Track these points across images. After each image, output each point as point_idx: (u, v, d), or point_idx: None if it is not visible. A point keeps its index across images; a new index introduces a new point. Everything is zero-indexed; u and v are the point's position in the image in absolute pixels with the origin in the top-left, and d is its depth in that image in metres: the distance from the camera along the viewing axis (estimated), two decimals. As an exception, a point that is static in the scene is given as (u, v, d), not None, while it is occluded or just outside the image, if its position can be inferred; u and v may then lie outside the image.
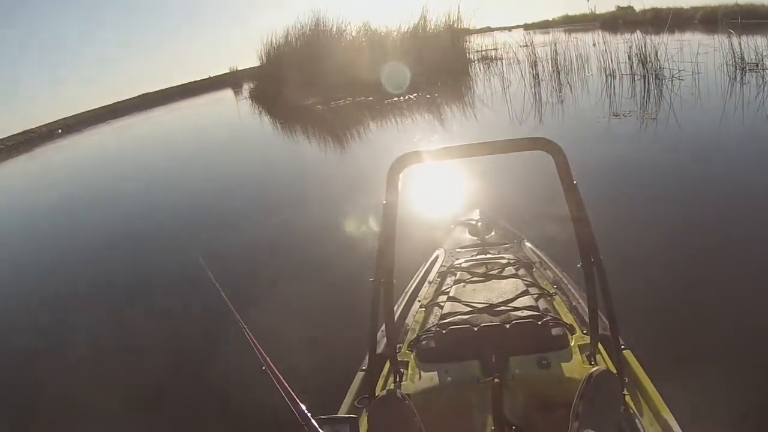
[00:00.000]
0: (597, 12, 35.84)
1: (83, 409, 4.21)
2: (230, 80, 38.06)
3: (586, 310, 2.53)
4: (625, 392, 2.12)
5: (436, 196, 7.07)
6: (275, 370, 1.75)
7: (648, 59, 13.48)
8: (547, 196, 4.64)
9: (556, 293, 3.01)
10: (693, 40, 18.06)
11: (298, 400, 1.62)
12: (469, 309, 2.71)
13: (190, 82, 60.01)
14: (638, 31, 15.73)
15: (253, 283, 5.56)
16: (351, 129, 14.75)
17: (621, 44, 14.65)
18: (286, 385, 1.68)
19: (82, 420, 4.12)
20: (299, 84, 20.02)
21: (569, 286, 3.15)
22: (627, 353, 2.38)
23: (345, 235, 6.51)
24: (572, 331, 2.54)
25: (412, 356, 2.56)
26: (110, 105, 57.15)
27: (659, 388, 2.22)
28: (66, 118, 52.40)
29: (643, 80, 13.31)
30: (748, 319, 3.71)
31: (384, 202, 2.01)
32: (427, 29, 21.04)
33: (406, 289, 3.38)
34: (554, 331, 2.45)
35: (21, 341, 5.86)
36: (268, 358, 1.81)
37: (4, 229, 13.08)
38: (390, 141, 12.05)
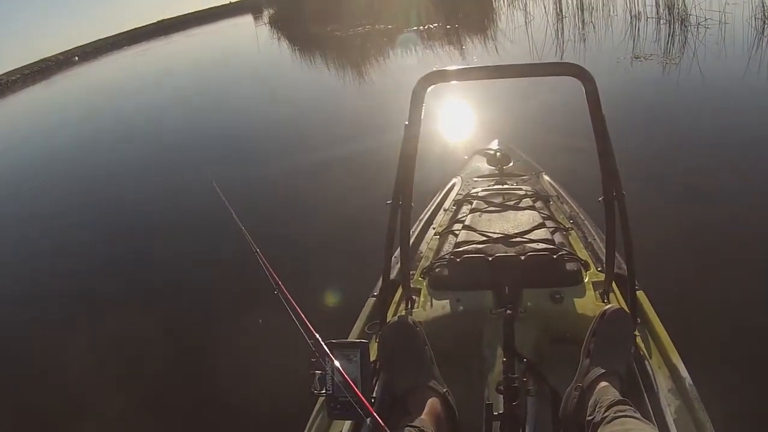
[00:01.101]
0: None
1: (106, 318, 4.52)
2: (251, 5, 37.33)
3: (602, 247, 2.58)
4: (636, 333, 2.12)
5: (457, 122, 7.08)
6: (287, 293, 1.77)
7: (675, 4, 13.23)
8: (569, 128, 4.71)
9: (572, 228, 2.99)
10: None
11: (309, 324, 1.63)
12: (484, 239, 2.68)
13: (210, 8, 59.19)
14: None
15: (268, 207, 5.74)
16: (369, 56, 14.67)
17: None
18: (298, 309, 1.70)
19: (106, 323, 4.41)
20: (318, 10, 19.70)
21: (586, 222, 3.14)
22: (640, 294, 2.36)
23: (363, 158, 6.58)
24: (587, 267, 2.51)
25: (424, 283, 2.56)
26: (128, 31, 56.52)
27: (670, 332, 2.21)
28: (84, 45, 52.05)
29: (668, 25, 13.04)
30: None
31: (406, 122, 1.95)
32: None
33: (421, 217, 3.37)
34: (569, 266, 2.44)
35: (54, 252, 6.34)
36: (280, 282, 1.83)
37: (25, 155, 13.37)
38: (406, 69, 12.00)
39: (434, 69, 1.87)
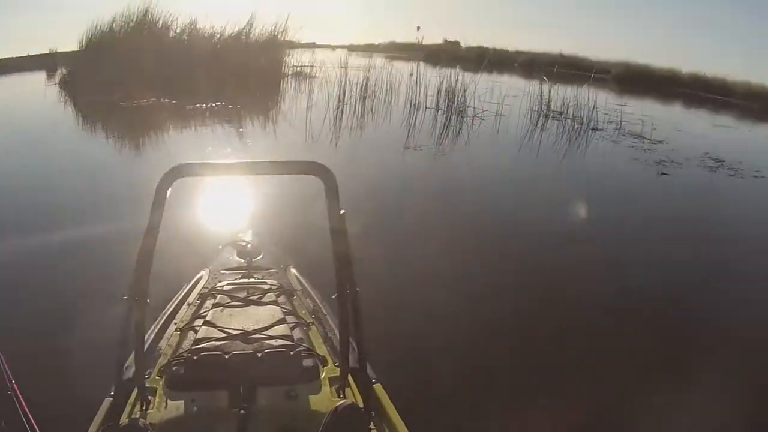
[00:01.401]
0: (424, 43, 36.97)
1: None
2: (48, 62, 35.33)
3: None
4: (372, 426, 2.14)
5: (209, 213, 6.70)
6: (18, 393, 1.74)
7: (455, 96, 13.71)
8: (319, 222, 4.37)
9: (312, 323, 3.00)
10: (508, 82, 18.94)
11: (36, 428, 1.58)
12: (224, 335, 2.60)
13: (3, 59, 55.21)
14: (458, 67, 16.16)
15: (5, 299, 4.95)
16: (146, 132, 13.76)
17: (436, 78, 14.97)
18: (27, 411, 1.67)
19: None
20: (110, 77, 18.50)
21: (327, 316, 3.12)
22: (377, 387, 2.38)
23: (114, 246, 5.73)
24: (324, 362, 2.52)
25: (160, 383, 2.43)
26: None
27: (407, 422, 2.22)
28: None
29: (445, 116, 13.59)
30: (500, 357, 3.91)
31: (149, 214, 1.90)
32: (250, 37, 20.26)
33: (164, 311, 3.20)
34: (305, 363, 2.44)
35: None
36: (13, 381, 1.78)
37: None
38: (179, 149, 11.25)
39: (180, 164, 1.86)
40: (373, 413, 2.23)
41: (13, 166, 10.77)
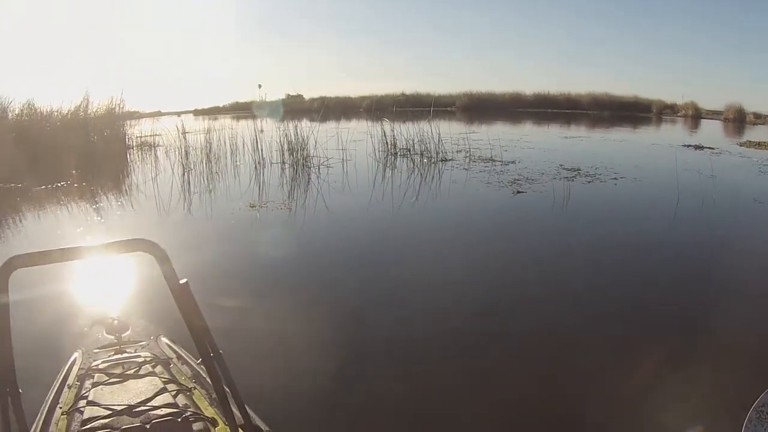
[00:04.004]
0: (267, 99, 37.15)
1: None
2: None
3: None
4: None
5: (72, 293, 6.49)
6: None
7: (298, 148, 13.87)
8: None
9: (195, 387, 2.97)
10: (353, 127, 19.32)
11: None
12: (109, 412, 2.58)
13: None
14: (303, 119, 16.36)
15: None
16: None
17: (280, 132, 15.16)
18: None
19: None
20: None
21: (208, 379, 2.91)
22: None
23: None
24: (215, 423, 2.51)
25: None
26: None
27: None
28: None
29: (292, 168, 13.81)
30: (384, 396, 4.02)
31: None
32: (88, 112, 19.74)
33: (47, 396, 3.09)
34: (195, 426, 2.43)
35: None
36: None
37: None
38: (30, 234, 10.79)
39: (16, 254, 1.87)
40: None
41: None
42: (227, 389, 2.23)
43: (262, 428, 2.44)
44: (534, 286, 6.17)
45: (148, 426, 2.41)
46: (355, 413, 3.83)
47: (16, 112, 19.73)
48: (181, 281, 1.99)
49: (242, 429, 2.42)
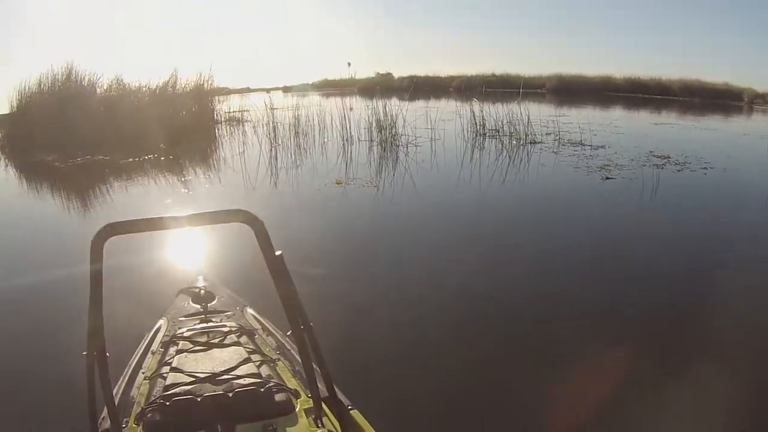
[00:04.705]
0: (357, 77, 37.19)
1: None
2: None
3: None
4: None
5: (161, 262, 6.69)
6: None
7: (387, 126, 13.69)
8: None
9: (279, 359, 3.02)
10: (441, 107, 19.13)
11: None
12: (192, 379, 2.62)
13: None
14: (393, 97, 16.18)
15: None
16: (83, 190, 13.54)
17: (369, 110, 15.02)
18: None
19: None
20: (43, 138, 18.30)
21: (292, 351, 3.15)
22: (355, 413, 2.44)
23: (65, 303, 5.64)
24: (297, 395, 2.53)
25: (138, 430, 2.42)
26: None
27: None
28: None
29: (380, 147, 13.65)
30: (470, 372, 4.00)
31: (89, 274, 1.90)
32: (176, 88, 20.26)
33: (130, 362, 3.21)
34: (278, 397, 2.45)
35: None
36: None
37: None
38: (119, 204, 11.06)
39: (110, 222, 1.90)
40: None
41: None
42: (315, 362, 2.26)
43: (345, 403, 2.45)
44: (623, 275, 5.90)
45: (230, 394, 2.43)
46: (438, 394, 3.75)
47: (105, 87, 20.44)
48: (277, 253, 1.99)
49: (325, 403, 2.45)
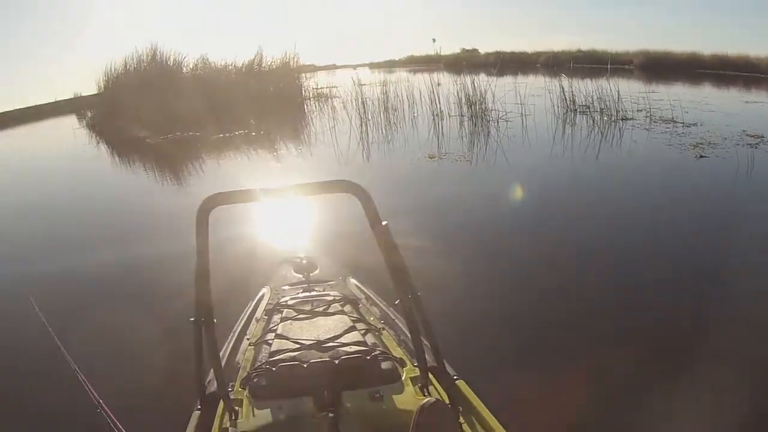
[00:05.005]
0: (442, 53, 36.92)
1: None
2: (75, 106, 36.01)
3: None
4: (462, 421, 2.16)
5: (263, 232, 6.88)
6: (109, 412, 1.77)
7: (476, 101, 13.58)
8: (371, 232, 4.53)
9: (383, 328, 3.05)
10: (530, 82, 18.83)
11: None
12: (297, 346, 2.69)
13: (32, 106, 55.91)
14: (479, 73, 16.03)
15: (84, 324, 4.98)
16: (178, 165, 13.98)
17: (457, 85, 14.83)
18: (121, 427, 1.69)
19: None
20: (132, 116, 19.02)
21: (396, 320, 3.16)
22: (461, 383, 2.42)
23: (176, 271, 5.90)
24: (403, 364, 2.56)
25: (245, 394, 2.51)
26: None
27: (496, 415, 2.23)
28: None
29: (470, 122, 13.49)
30: (576, 345, 3.97)
31: (195, 242, 1.98)
32: (263, 66, 20.73)
33: (235, 328, 3.34)
34: (384, 365, 2.48)
35: None
36: (101, 400, 1.83)
37: None
38: (213, 178, 11.40)
39: (217, 192, 1.94)
40: (460, 409, 2.24)
41: (59, 202, 11.06)
42: (422, 332, 2.23)
43: (451, 374, 2.40)
44: (722, 254, 5.66)
45: (336, 361, 2.45)
46: (545, 370, 3.68)
47: (191, 66, 21.15)
48: (383, 223, 1.99)
49: (431, 373, 2.42)
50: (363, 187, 1.95)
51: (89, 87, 32.49)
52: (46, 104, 53.73)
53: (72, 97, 38.17)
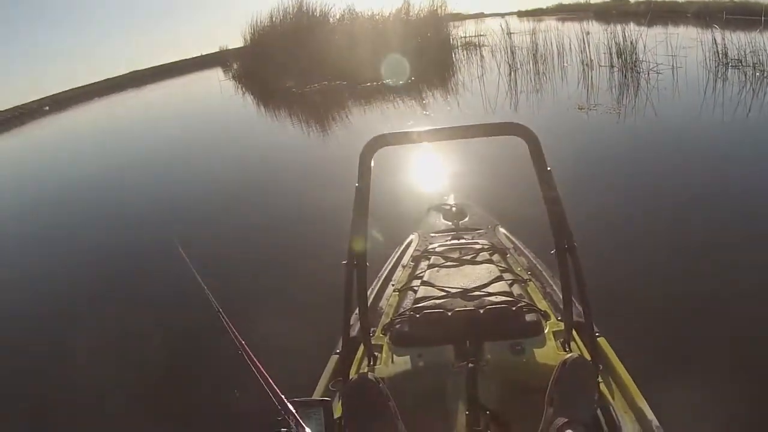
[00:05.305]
0: (591, 2, 35.63)
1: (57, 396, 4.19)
2: (220, 59, 37.69)
3: (561, 296, 2.53)
4: (600, 379, 2.10)
5: (411, 179, 7.02)
6: (251, 353, 1.74)
7: (627, 51, 13.34)
8: (522, 181, 4.49)
9: (530, 279, 3.01)
10: (681, 33, 17.98)
11: (273, 383, 1.59)
12: (443, 294, 2.68)
13: (180, 60, 58.66)
14: (632, 23, 15.60)
15: (229, 268, 5.54)
16: (327, 113, 14.63)
17: (606, 35, 14.42)
18: (262, 369, 1.66)
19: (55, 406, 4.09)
20: (279, 66, 19.91)
21: (543, 272, 3.14)
22: (601, 340, 2.37)
23: (320, 218, 6.41)
24: (546, 317, 2.53)
25: (386, 340, 2.56)
26: (100, 82, 56.05)
27: (633, 376, 2.21)
28: (56, 94, 51.54)
29: (620, 72, 13.25)
30: (722, 313, 3.80)
31: (356, 185, 2.01)
32: (410, 14, 20.92)
33: (380, 273, 3.35)
34: (528, 317, 2.45)
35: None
36: (243, 342, 1.80)
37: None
38: (360, 125, 11.95)
39: (381, 133, 1.94)
40: (600, 366, 2.19)
41: (224, 155, 11.88)
42: (575, 285, 2.14)
43: (596, 331, 2.29)
44: None
45: (481, 311, 2.44)
46: (688, 332, 3.62)
47: (337, 16, 21.88)
48: (547, 169, 1.94)
49: (575, 329, 2.40)
50: (532, 130, 1.91)
51: (235, 41, 33.61)
52: (190, 59, 56.29)
53: (218, 50, 39.92)
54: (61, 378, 4.46)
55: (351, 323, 2.37)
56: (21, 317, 5.84)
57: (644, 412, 2.01)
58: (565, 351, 2.30)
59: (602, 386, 2.11)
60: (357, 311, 2.45)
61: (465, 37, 21.83)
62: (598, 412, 1.96)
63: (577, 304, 2.33)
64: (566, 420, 1.76)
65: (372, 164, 1.97)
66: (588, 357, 2.14)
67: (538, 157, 1.91)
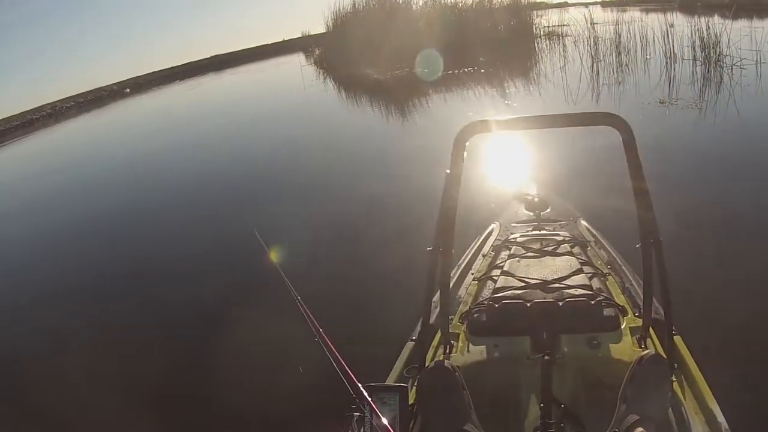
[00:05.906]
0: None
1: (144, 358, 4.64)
2: (302, 45, 38.30)
3: (639, 292, 2.58)
4: (673, 378, 2.09)
5: (494, 168, 7.11)
6: (327, 340, 1.77)
7: (710, 45, 13.13)
8: (606, 174, 4.69)
9: (609, 273, 3.00)
10: (766, 28, 17.37)
11: (347, 368, 1.63)
12: (523, 284, 2.70)
13: (262, 45, 59.54)
14: (716, 15, 15.29)
15: (307, 255, 5.61)
16: (408, 100, 14.89)
17: (690, 27, 14.10)
18: (337, 354, 1.69)
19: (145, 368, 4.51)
20: (360, 52, 20.27)
21: (623, 267, 3.15)
22: (677, 339, 2.35)
23: (403, 203, 6.69)
24: (624, 312, 2.51)
25: (463, 328, 2.56)
26: (182, 65, 57.45)
27: (707, 377, 2.22)
28: (137, 77, 53.18)
29: (703, 66, 13.01)
30: None
31: (447, 171, 2.04)
32: (493, 2, 21.10)
33: (460, 262, 3.39)
34: (606, 312, 2.43)
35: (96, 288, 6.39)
36: (320, 329, 1.83)
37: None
38: (442, 113, 12.21)
39: (475, 120, 2.00)
40: (675, 365, 2.19)
41: (307, 140, 12.43)
42: (658, 280, 2.12)
43: (670, 328, 2.24)
44: None
45: (560, 303, 2.42)
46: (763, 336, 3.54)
47: (420, 3, 22.11)
48: (639, 162, 1.93)
49: (652, 327, 2.38)
50: (627, 121, 1.90)
51: (317, 27, 34.15)
52: (274, 43, 56.76)
53: (300, 36, 40.66)
54: (166, 354, 4.86)
55: (431, 310, 2.36)
56: (131, 295, 6.27)
57: (715, 415, 2.02)
58: (641, 348, 2.29)
59: (675, 386, 2.11)
60: (435, 298, 2.43)
61: (548, 26, 21.70)
62: (670, 411, 1.95)
63: (655, 301, 2.35)
64: (638, 417, 1.77)
65: (465, 151, 1.99)
66: (663, 355, 2.14)
67: (631, 150, 1.92)
